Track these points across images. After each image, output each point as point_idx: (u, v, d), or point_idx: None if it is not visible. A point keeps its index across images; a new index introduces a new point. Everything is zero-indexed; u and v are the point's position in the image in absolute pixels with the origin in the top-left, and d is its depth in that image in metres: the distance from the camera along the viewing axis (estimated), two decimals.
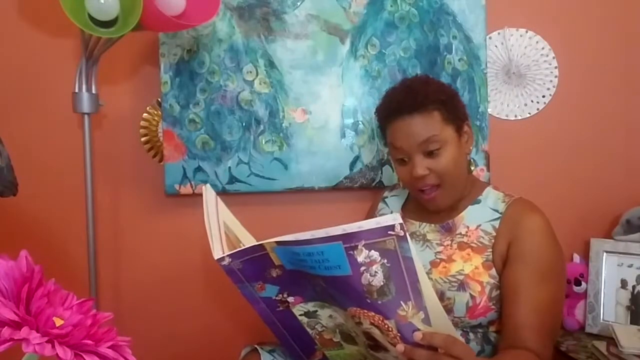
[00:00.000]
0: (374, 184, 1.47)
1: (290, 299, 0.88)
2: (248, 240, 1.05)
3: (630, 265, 1.43)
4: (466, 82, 1.49)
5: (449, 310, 1.02)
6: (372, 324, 0.79)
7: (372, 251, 0.72)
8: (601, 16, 1.57)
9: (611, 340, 1.26)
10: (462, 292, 1.02)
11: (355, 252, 0.73)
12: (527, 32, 1.54)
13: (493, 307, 1.03)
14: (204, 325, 1.51)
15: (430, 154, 1.05)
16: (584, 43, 1.57)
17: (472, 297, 1.02)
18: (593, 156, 1.59)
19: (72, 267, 1.41)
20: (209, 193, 1.01)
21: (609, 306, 1.43)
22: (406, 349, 0.76)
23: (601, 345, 1.27)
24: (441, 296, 1.03)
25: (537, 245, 1.02)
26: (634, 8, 1.58)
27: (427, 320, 0.75)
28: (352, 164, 1.46)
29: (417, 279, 0.72)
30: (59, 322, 0.53)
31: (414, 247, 0.73)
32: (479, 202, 1.12)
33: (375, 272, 0.73)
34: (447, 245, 1.10)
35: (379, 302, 0.75)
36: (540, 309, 0.97)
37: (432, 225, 1.14)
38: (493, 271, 1.04)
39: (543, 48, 1.54)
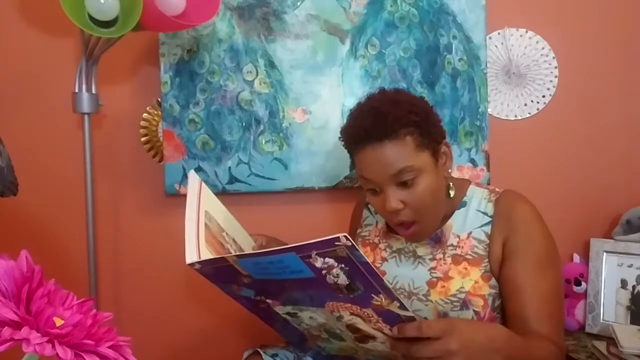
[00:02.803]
0: None
1: (269, 301, 0.88)
2: (232, 229, 1.03)
3: (630, 265, 1.43)
4: (466, 82, 1.49)
5: None
6: (352, 314, 0.80)
7: (327, 258, 0.72)
8: (601, 16, 1.57)
9: (611, 340, 1.26)
10: (465, 310, 0.98)
11: (310, 259, 0.73)
12: (527, 32, 1.54)
13: (497, 315, 1.01)
14: (204, 325, 1.51)
15: (404, 184, 0.95)
16: (584, 43, 1.57)
17: (475, 313, 0.98)
18: (593, 156, 1.59)
19: (72, 267, 1.41)
20: (192, 180, 0.98)
21: (609, 306, 1.43)
22: (399, 329, 0.76)
23: (601, 345, 1.27)
24: (444, 317, 0.99)
25: (530, 236, 0.99)
26: (634, 8, 1.58)
27: (403, 307, 0.75)
28: (352, 164, 1.46)
29: (381, 278, 0.73)
30: (59, 322, 0.53)
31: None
32: (464, 204, 1.06)
33: (337, 274, 0.73)
34: (440, 259, 1.03)
35: (351, 296, 0.76)
36: (546, 298, 0.95)
37: None
38: (493, 281, 1.00)
39: (543, 48, 1.54)
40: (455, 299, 0.99)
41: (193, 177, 0.99)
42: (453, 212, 1.06)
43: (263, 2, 1.42)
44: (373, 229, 1.17)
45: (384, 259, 1.11)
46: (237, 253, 0.79)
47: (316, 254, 0.72)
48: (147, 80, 1.45)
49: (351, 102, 1.45)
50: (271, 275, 0.79)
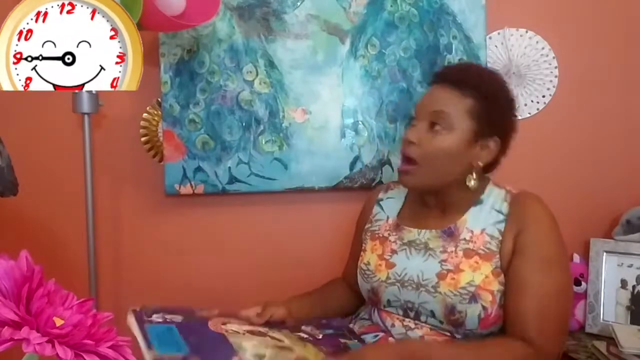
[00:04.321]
0: (374, 184, 1.46)
1: None
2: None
3: (630, 265, 1.43)
4: None
5: (459, 323, 0.99)
6: None
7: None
8: (601, 16, 1.57)
9: (611, 340, 1.26)
10: (473, 304, 0.98)
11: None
12: (527, 32, 1.54)
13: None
14: None
15: (432, 126, 1.01)
16: (584, 43, 1.57)
17: (483, 307, 0.97)
18: (593, 156, 1.59)
19: (72, 267, 1.41)
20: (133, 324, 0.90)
21: (609, 306, 1.43)
22: None
23: (601, 345, 1.27)
24: (451, 310, 0.99)
25: (540, 235, 0.99)
26: (634, 8, 1.58)
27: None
28: (352, 164, 1.46)
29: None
30: (59, 322, 0.53)
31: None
32: (481, 202, 1.06)
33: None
34: (452, 252, 1.03)
35: None
36: (543, 296, 0.95)
37: (433, 231, 1.07)
38: (502, 277, 0.99)
39: (543, 48, 1.54)
40: (464, 292, 0.98)
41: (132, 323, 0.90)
42: (469, 207, 1.06)
43: (263, 2, 1.42)
44: (383, 224, 1.17)
45: (394, 251, 1.10)
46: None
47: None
48: (147, 80, 1.44)
49: (351, 102, 1.46)
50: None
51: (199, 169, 1.42)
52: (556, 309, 0.96)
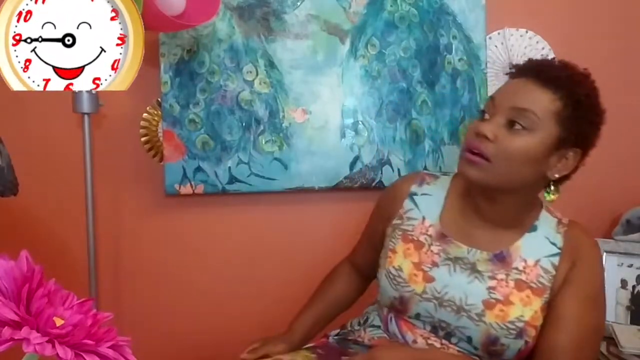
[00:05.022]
0: (374, 184, 1.47)
1: None
2: None
3: (630, 265, 1.43)
4: (466, 82, 1.49)
5: (498, 354, 0.95)
6: None
7: None
8: (601, 16, 1.57)
9: (611, 340, 1.26)
10: (519, 339, 0.93)
11: None
12: (527, 32, 1.54)
13: None
14: (204, 325, 1.51)
15: (511, 124, 0.90)
16: (584, 43, 1.56)
17: (526, 342, 0.93)
18: (593, 156, 1.57)
19: (72, 267, 1.41)
20: None
21: (609, 306, 1.42)
22: None
23: (601, 346, 1.27)
24: (494, 341, 0.94)
25: (589, 272, 0.95)
26: (634, 8, 1.58)
27: None
28: (352, 164, 1.46)
29: None
30: (59, 322, 0.53)
31: None
32: (535, 229, 0.99)
33: None
34: (502, 280, 0.95)
35: None
36: (585, 333, 0.92)
37: (484, 253, 0.98)
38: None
39: (543, 48, 1.54)
40: (512, 327, 0.93)
41: None
42: (523, 233, 0.99)
43: (263, 2, 1.42)
44: (418, 225, 1.04)
45: (435, 264, 1.00)
46: None
47: None
48: (147, 80, 1.44)
49: (351, 102, 1.46)
50: None
51: (199, 169, 1.42)
52: (590, 348, 0.94)
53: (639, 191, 1.57)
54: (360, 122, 1.46)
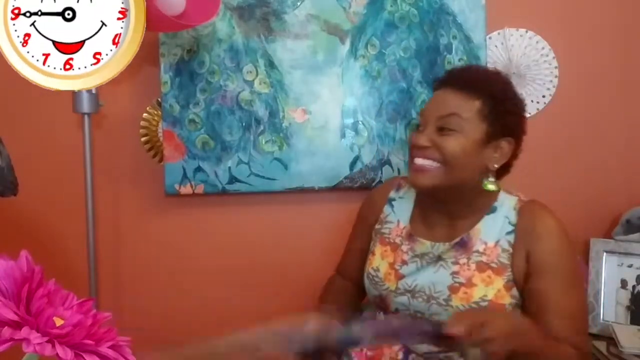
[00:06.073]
0: (374, 184, 1.46)
1: None
2: None
3: (630, 265, 1.43)
4: None
5: None
6: None
7: None
8: (601, 16, 1.57)
9: (611, 340, 1.26)
10: None
11: None
12: (527, 32, 1.54)
13: None
14: (204, 325, 1.51)
15: (442, 130, 1.00)
16: (584, 43, 1.56)
17: None
18: (593, 156, 1.59)
19: (72, 267, 1.41)
20: None
21: (609, 306, 1.43)
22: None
23: (601, 345, 1.27)
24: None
25: (556, 252, 0.98)
26: (634, 8, 1.57)
27: None
28: (352, 164, 1.46)
29: None
30: (59, 322, 0.53)
31: None
32: (494, 210, 1.05)
33: None
34: (464, 264, 1.02)
35: None
36: (573, 315, 0.96)
37: (446, 244, 1.05)
38: (514, 291, 0.99)
39: (543, 48, 1.54)
40: (477, 307, 0.98)
41: None
42: (482, 216, 1.05)
43: (263, 2, 1.42)
44: (394, 228, 1.14)
45: (404, 262, 1.08)
46: None
47: None
48: (147, 80, 1.45)
49: (351, 102, 1.46)
50: None
51: (199, 169, 1.42)
52: (583, 322, 0.98)
53: (639, 191, 1.57)
54: (360, 122, 1.46)
